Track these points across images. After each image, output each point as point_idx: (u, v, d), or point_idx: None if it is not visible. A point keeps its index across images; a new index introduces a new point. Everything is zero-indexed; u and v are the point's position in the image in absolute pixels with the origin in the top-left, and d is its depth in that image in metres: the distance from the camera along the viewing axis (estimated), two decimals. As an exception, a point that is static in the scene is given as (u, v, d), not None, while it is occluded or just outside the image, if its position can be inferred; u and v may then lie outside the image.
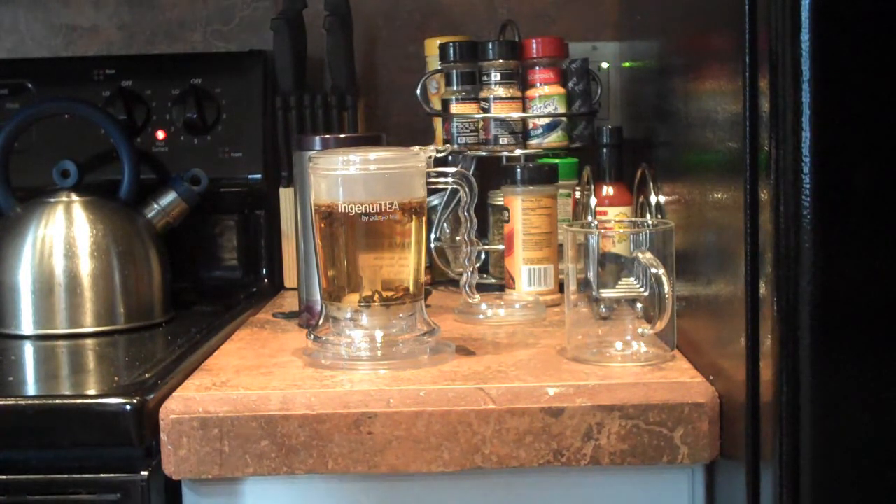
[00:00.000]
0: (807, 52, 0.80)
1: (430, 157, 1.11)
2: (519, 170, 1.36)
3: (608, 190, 1.40)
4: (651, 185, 1.27)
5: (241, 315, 1.34)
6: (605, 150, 1.42)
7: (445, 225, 1.48)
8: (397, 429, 0.98)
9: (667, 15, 1.22)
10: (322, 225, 1.10)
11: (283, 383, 1.02)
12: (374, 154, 1.09)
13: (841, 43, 0.81)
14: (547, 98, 1.45)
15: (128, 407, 0.97)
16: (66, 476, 0.98)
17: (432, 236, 1.47)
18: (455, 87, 1.47)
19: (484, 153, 1.47)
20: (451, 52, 1.47)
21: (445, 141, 1.48)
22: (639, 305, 1.08)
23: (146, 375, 1.05)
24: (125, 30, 1.66)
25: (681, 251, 1.07)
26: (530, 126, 1.46)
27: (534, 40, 1.46)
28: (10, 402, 0.99)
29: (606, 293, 1.08)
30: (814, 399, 0.82)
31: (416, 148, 1.11)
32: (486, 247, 1.47)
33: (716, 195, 0.99)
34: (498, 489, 1.02)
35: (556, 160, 1.44)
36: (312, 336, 1.11)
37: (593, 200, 1.37)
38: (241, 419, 0.98)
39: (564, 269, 1.12)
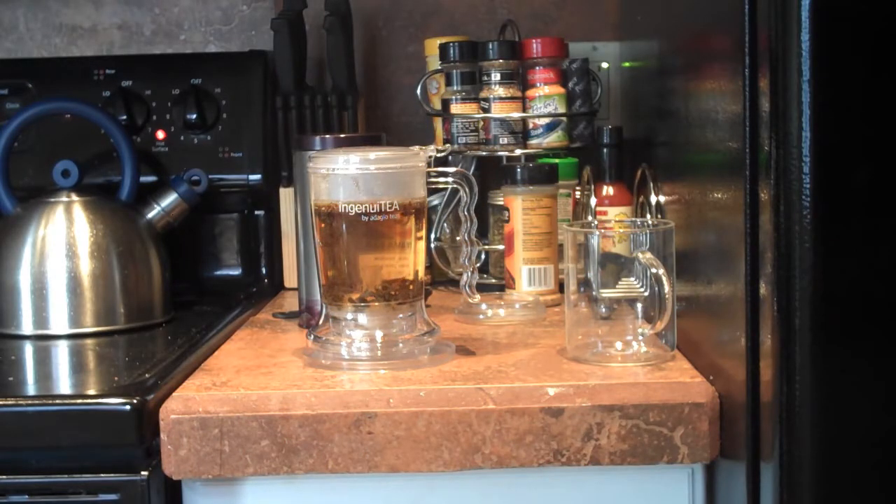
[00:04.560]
0: (807, 52, 0.80)
1: (430, 157, 1.11)
2: (519, 170, 1.36)
3: (608, 190, 1.40)
4: (651, 185, 1.27)
5: (241, 315, 1.34)
6: (605, 150, 1.42)
7: (445, 225, 1.48)
8: (397, 429, 0.98)
9: (667, 15, 1.22)
10: (322, 225, 1.09)
11: (283, 383, 1.02)
12: (374, 154, 1.09)
13: (841, 43, 0.81)
14: (547, 98, 1.45)
15: (128, 407, 0.97)
16: (66, 476, 0.98)
17: (432, 236, 1.47)
18: (455, 87, 1.47)
19: (484, 153, 1.47)
20: (451, 52, 1.47)
21: (445, 141, 1.48)
22: (639, 305, 1.08)
23: (146, 375, 1.05)
24: (125, 30, 1.66)
25: (681, 251, 1.08)
26: (530, 126, 1.46)
27: (534, 40, 1.46)
28: (10, 402, 0.99)
29: (606, 293, 1.08)
30: (814, 399, 0.82)
31: (416, 148, 1.11)
32: (486, 247, 1.47)
33: (716, 195, 0.99)
34: (498, 489, 1.02)
35: (556, 160, 1.44)
36: (312, 336, 1.11)
37: (593, 200, 1.36)
38: (241, 419, 0.98)
39: (564, 269, 1.12)
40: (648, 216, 1.26)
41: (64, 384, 1.17)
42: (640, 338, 1.07)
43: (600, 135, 1.43)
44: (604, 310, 1.08)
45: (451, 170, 1.14)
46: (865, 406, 0.83)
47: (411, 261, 1.10)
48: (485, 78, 1.46)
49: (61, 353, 1.25)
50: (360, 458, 0.98)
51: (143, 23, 1.66)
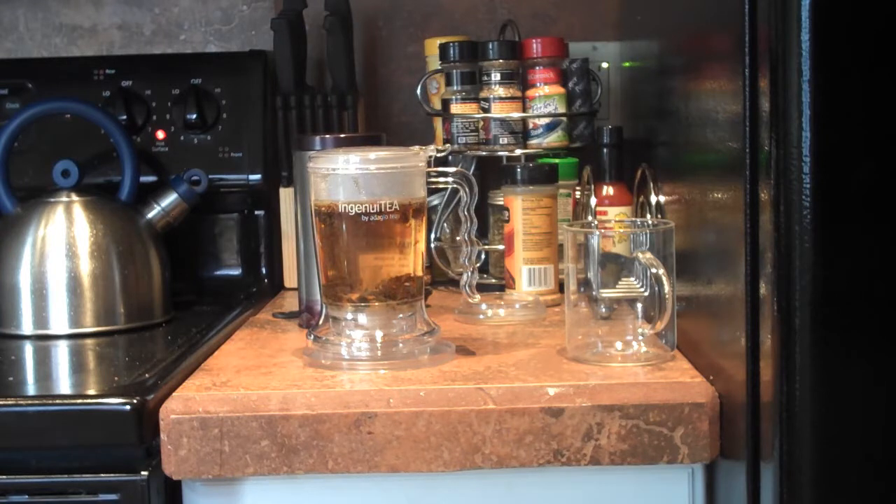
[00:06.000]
0: (807, 52, 0.80)
1: (430, 157, 1.11)
2: (519, 170, 1.36)
3: (608, 190, 1.40)
4: (651, 185, 1.27)
5: (241, 315, 1.34)
6: (605, 150, 1.42)
7: (445, 225, 1.48)
8: (397, 429, 0.98)
9: (667, 15, 1.22)
10: (322, 225, 1.09)
11: (283, 383, 1.02)
12: (374, 154, 1.09)
13: (841, 43, 0.81)
14: (547, 98, 1.45)
15: (128, 407, 0.97)
16: (66, 476, 0.98)
17: (432, 236, 1.47)
18: (455, 87, 1.47)
19: (484, 153, 1.47)
20: (451, 52, 1.47)
21: (445, 141, 1.48)
22: (639, 305, 1.08)
23: (146, 375, 1.05)
24: (125, 30, 1.66)
25: (681, 251, 1.08)
26: (530, 126, 1.46)
27: (534, 40, 1.46)
28: (10, 402, 0.99)
29: (606, 293, 1.08)
30: (814, 399, 0.82)
31: (416, 148, 1.11)
32: (486, 247, 1.47)
33: (716, 195, 0.99)
34: (498, 489, 1.02)
35: (556, 160, 1.44)
36: (312, 336, 1.11)
37: (593, 200, 1.36)
38: (241, 419, 0.98)
39: (564, 269, 1.12)
40: (648, 216, 1.26)
41: (64, 384, 1.17)
42: (640, 338, 1.07)
43: (600, 135, 1.43)
44: (604, 310, 1.08)
45: (451, 170, 1.14)
46: (865, 406, 0.83)
47: (411, 261, 1.10)
48: (485, 78, 1.46)
49: (61, 353, 1.25)
50: (360, 458, 0.98)
51: (143, 23, 1.66)
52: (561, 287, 1.30)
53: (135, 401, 0.97)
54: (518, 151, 1.45)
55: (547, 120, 1.45)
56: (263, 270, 1.54)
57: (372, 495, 1.01)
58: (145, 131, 1.52)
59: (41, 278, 1.29)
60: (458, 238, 1.32)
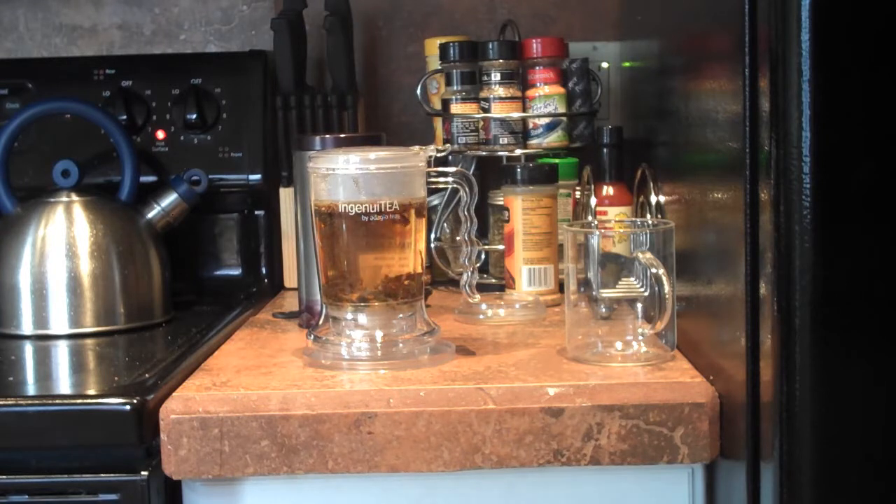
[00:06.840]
0: (807, 52, 0.80)
1: (430, 157, 1.11)
2: (519, 170, 1.36)
3: (608, 190, 1.40)
4: (651, 185, 1.27)
5: (241, 315, 1.34)
6: (605, 150, 1.42)
7: (445, 225, 1.48)
8: (397, 429, 0.98)
9: (667, 15, 1.22)
10: (322, 225, 1.09)
11: (283, 383, 1.02)
12: (374, 154, 1.09)
13: (841, 43, 0.81)
14: (547, 98, 1.45)
15: (128, 407, 0.97)
16: (66, 476, 0.98)
17: (432, 236, 1.47)
18: (455, 87, 1.47)
19: (484, 153, 1.47)
20: (451, 52, 1.47)
21: (445, 141, 1.48)
22: (639, 305, 1.08)
23: (146, 375, 1.05)
24: (125, 30, 1.66)
25: (681, 251, 1.08)
26: (530, 126, 1.46)
27: (534, 40, 1.46)
28: (10, 402, 0.99)
29: (606, 293, 1.08)
30: (814, 399, 0.82)
31: (416, 148, 1.11)
32: (486, 247, 1.47)
33: (716, 195, 0.99)
34: (498, 489, 1.02)
35: (556, 160, 1.44)
36: (312, 336, 1.11)
37: (593, 200, 1.36)
38: (241, 419, 0.98)
39: (564, 269, 1.12)
40: (648, 216, 1.26)
41: (64, 384, 1.17)
42: (640, 338, 1.07)
43: (600, 135, 1.43)
44: (604, 310, 1.08)
45: (451, 170, 1.14)
46: (865, 406, 0.83)
47: (411, 261, 1.10)
48: (485, 78, 1.46)
49: (61, 353, 1.25)
50: (360, 458, 0.98)
51: (143, 23, 1.66)
52: (561, 287, 1.30)
53: (135, 401, 0.97)
54: (518, 151, 1.45)
55: (547, 120, 1.45)
56: (263, 270, 1.54)
57: (372, 495, 1.02)
58: (145, 131, 1.52)
59: (41, 278, 1.29)
60: (458, 238, 1.32)
